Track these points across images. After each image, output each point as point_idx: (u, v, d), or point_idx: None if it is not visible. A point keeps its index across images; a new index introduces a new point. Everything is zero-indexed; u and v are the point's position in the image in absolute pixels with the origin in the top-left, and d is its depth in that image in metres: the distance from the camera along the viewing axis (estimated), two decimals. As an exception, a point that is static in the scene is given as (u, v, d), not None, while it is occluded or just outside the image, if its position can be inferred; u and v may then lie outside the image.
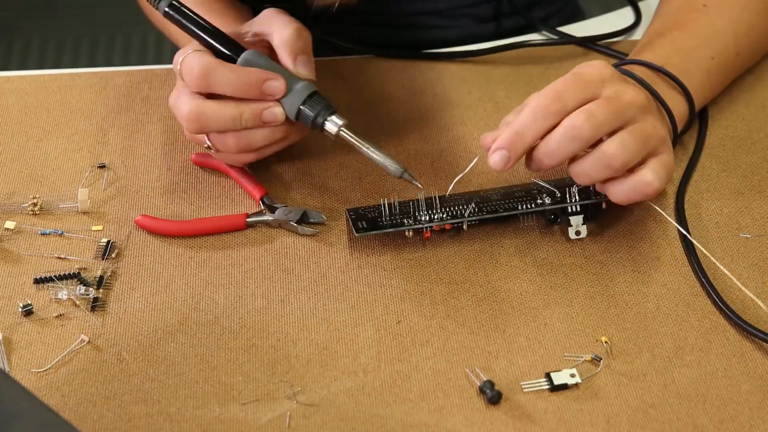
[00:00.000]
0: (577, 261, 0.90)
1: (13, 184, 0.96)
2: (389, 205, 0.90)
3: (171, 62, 1.08)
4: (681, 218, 0.92)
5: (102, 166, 0.98)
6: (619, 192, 0.87)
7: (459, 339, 0.84)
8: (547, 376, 0.81)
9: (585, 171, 0.86)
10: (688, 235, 0.90)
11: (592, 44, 1.11)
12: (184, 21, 0.93)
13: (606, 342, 0.84)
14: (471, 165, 0.91)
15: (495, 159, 0.86)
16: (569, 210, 0.90)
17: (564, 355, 0.83)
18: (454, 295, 0.87)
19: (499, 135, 0.86)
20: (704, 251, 0.89)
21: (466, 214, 0.90)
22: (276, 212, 0.93)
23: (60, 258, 0.90)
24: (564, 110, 0.85)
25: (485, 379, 0.81)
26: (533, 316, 0.86)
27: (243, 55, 0.91)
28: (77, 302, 0.87)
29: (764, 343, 0.83)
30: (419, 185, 0.90)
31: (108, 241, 0.91)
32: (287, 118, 0.91)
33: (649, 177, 0.86)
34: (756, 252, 0.91)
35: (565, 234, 0.92)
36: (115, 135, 1.01)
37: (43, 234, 0.92)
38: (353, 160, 0.98)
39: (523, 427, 0.78)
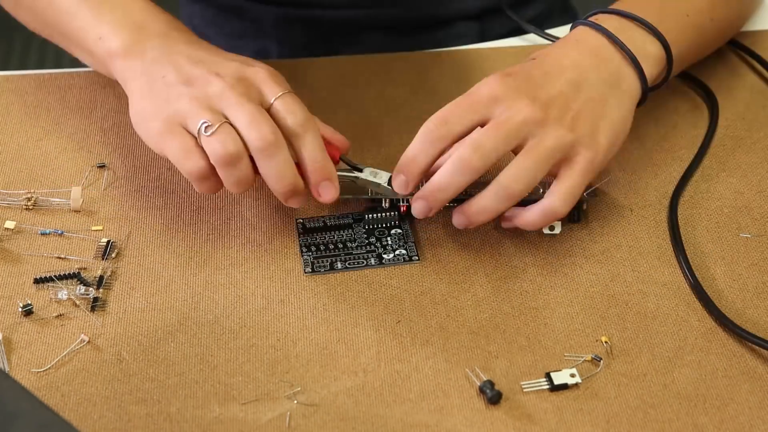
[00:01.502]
0: (577, 261, 0.90)
1: (13, 183, 0.96)
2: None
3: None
4: (673, 219, 0.92)
5: (102, 166, 0.98)
6: (527, 221, 0.87)
7: (459, 339, 0.84)
8: (547, 376, 0.81)
9: (486, 206, 0.86)
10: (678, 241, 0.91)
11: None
12: None
13: (606, 342, 0.84)
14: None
15: (397, 183, 0.88)
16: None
17: (564, 355, 0.83)
18: (454, 295, 0.87)
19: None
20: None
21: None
22: (363, 172, 0.91)
23: (60, 258, 0.90)
24: (450, 134, 0.86)
25: (485, 379, 0.81)
26: (533, 316, 0.86)
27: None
28: (77, 302, 0.87)
29: (760, 347, 0.83)
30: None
31: (108, 241, 0.91)
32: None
33: (555, 204, 0.86)
34: (756, 252, 0.91)
35: (565, 233, 0.91)
36: (115, 135, 1.01)
37: (43, 234, 0.92)
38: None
39: (523, 427, 0.78)
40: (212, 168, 0.86)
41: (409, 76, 1.08)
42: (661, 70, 0.95)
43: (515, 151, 0.86)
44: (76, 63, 1.05)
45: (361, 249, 0.90)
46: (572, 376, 0.81)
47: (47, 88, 1.06)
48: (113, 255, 0.91)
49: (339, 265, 0.89)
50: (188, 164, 0.86)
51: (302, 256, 0.90)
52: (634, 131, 1.02)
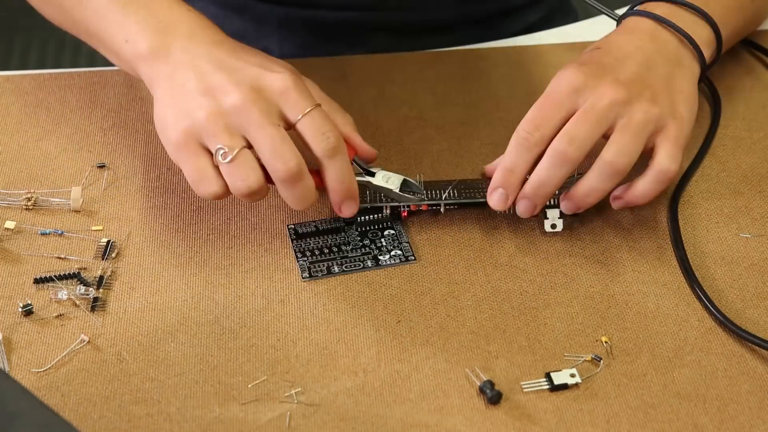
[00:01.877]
0: (577, 261, 0.90)
1: (14, 183, 0.96)
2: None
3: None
4: (674, 220, 0.92)
5: (102, 166, 0.98)
6: (640, 192, 0.88)
7: (459, 339, 0.84)
8: (547, 376, 0.81)
9: (594, 187, 0.88)
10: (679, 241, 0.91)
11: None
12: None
13: (606, 342, 0.84)
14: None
15: (494, 198, 0.89)
16: (547, 203, 0.91)
17: (564, 355, 0.83)
18: (454, 295, 0.87)
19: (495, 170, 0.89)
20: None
21: (443, 197, 0.91)
22: (375, 176, 0.92)
23: (60, 258, 0.90)
24: (544, 138, 0.87)
25: (485, 379, 0.81)
26: (533, 316, 0.86)
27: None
28: (77, 302, 0.87)
29: (761, 348, 0.83)
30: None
31: (108, 241, 0.91)
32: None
33: (665, 164, 0.88)
34: (756, 252, 0.91)
35: (565, 233, 0.92)
36: (115, 135, 1.01)
37: (43, 234, 0.92)
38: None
39: (523, 427, 0.78)
40: (227, 190, 0.86)
41: (409, 76, 1.08)
42: (713, 52, 0.97)
43: (606, 135, 0.87)
44: (76, 63, 1.05)
45: (357, 252, 0.90)
46: (572, 376, 0.81)
47: (47, 88, 1.06)
48: (113, 255, 0.91)
49: (336, 268, 0.89)
50: (202, 188, 0.86)
51: (297, 261, 0.90)
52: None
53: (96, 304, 0.87)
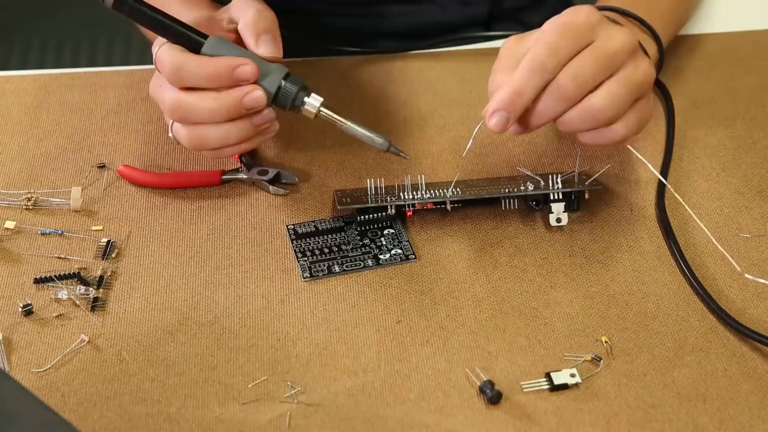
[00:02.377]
0: (577, 261, 0.90)
1: (13, 183, 0.96)
2: (375, 188, 0.92)
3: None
4: (664, 218, 0.92)
5: (102, 166, 0.98)
6: (587, 137, 0.87)
7: (459, 339, 0.84)
8: (547, 376, 0.81)
9: (570, 120, 0.86)
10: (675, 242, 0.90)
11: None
12: (138, 11, 0.89)
13: (606, 342, 0.84)
14: (476, 130, 0.89)
15: (494, 121, 0.85)
16: (551, 197, 0.91)
17: (564, 355, 0.83)
18: (454, 295, 0.87)
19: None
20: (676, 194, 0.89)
21: (448, 195, 0.91)
22: (251, 170, 0.95)
23: (60, 258, 0.90)
24: (560, 65, 0.84)
25: (485, 379, 0.81)
26: (533, 316, 0.86)
27: (205, 44, 0.89)
28: (77, 302, 0.87)
29: (762, 344, 0.83)
30: (405, 156, 0.91)
31: (108, 241, 0.91)
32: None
33: (620, 130, 0.87)
34: (756, 252, 0.91)
35: (565, 233, 0.92)
36: (115, 135, 1.01)
37: (43, 234, 0.92)
38: (337, 144, 0.98)
39: (523, 427, 0.78)
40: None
41: (409, 76, 1.08)
42: (655, 65, 0.97)
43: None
44: (76, 63, 1.05)
45: (357, 251, 0.90)
46: (572, 376, 0.81)
47: (47, 88, 1.06)
48: (113, 255, 0.91)
49: (336, 268, 0.89)
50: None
51: (298, 262, 0.90)
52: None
53: (96, 304, 0.87)
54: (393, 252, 0.90)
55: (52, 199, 0.95)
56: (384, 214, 0.92)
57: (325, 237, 0.92)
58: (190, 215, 0.94)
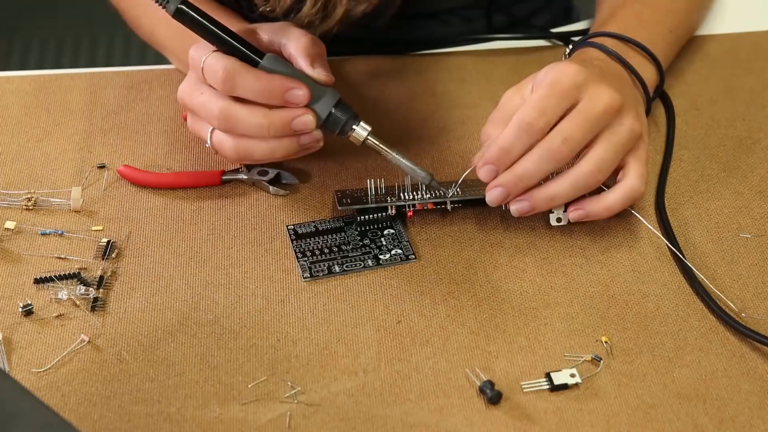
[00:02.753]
0: (577, 261, 0.90)
1: (14, 183, 0.96)
2: (375, 188, 0.93)
3: (170, 63, 1.08)
4: (664, 220, 0.92)
5: (102, 167, 0.98)
6: (607, 206, 0.89)
7: (459, 339, 0.84)
8: (547, 376, 0.81)
9: (561, 193, 0.88)
10: (671, 245, 0.90)
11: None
12: (198, 22, 0.89)
13: (606, 342, 0.84)
14: (465, 174, 0.92)
15: (483, 173, 0.89)
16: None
17: (564, 355, 0.83)
18: (454, 295, 0.87)
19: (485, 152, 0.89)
20: (676, 251, 0.89)
21: (449, 195, 0.92)
22: (251, 171, 0.95)
23: (60, 258, 0.90)
24: (548, 126, 0.87)
25: (485, 379, 0.80)
26: (533, 316, 0.86)
27: (264, 60, 0.90)
28: (77, 302, 0.87)
29: (763, 345, 0.83)
30: (444, 191, 0.92)
31: (108, 241, 0.91)
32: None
33: (637, 183, 0.89)
34: (756, 252, 0.91)
35: (565, 233, 0.92)
36: (115, 135, 1.01)
37: (43, 234, 0.92)
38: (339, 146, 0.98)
39: (523, 427, 0.78)
40: None
41: (409, 77, 1.08)
42: (654, 89, 1.00)
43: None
44: (76, 63, 1.05)
45: (357, 251, 0.90)
46: (572, 376, 0.81)
47: (47, 88, 1.06)
48: (113, 255, 0.91)
49: (337, 268, 0.89)
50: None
51: (298, 262, 0.90)
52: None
53: (96, 304, 0.87)
54: (393, 252, 0.90)
55: (52, 199, 0.95)
56: (384, 214, 0.92)
57: (325, 237, 0.92)
58: (190, 215, 0.94)
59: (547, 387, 0.81)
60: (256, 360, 0.83)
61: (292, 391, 0.81)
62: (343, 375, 0.82)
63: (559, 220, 0.91)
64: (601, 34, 0.99)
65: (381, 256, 0.90)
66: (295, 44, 0.92)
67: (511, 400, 0.80)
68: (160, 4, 0.89)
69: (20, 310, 0.86)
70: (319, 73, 0.91)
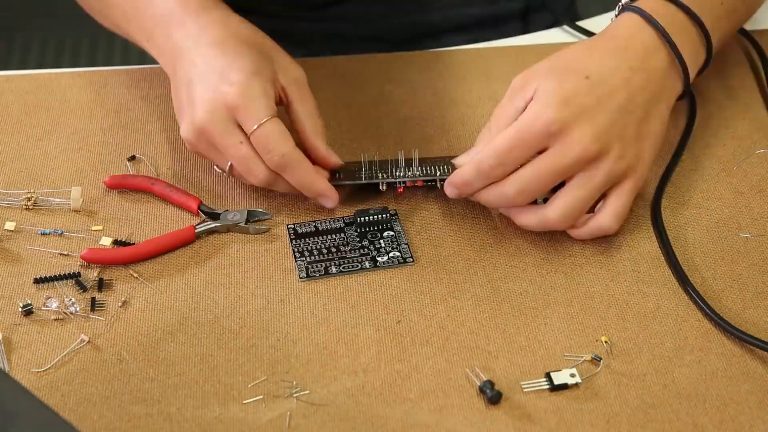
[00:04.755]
0: (577, 261, 0.90)
1: (14, 183, 0.96)
2: (369, 162, 0.94)
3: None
4: (658, 223, 0.92)
5: (133, 158, 0.98)
6: (574, 234, 0.90)
7: (459, 339, 0.84)
8: (547, 376, 0.81)
9: (528, 224, 0.90)
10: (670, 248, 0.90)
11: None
12: None
13: (606, 342, 0.84)
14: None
15: (448, 191, 0.90)
16: None
17: (564, 355, 0.83)
18: (454, 295, 0.87)
19: (463, 163, 0.90)
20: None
21: (437, 175, 0.92)
22: (220, 217, 0.92)
23: (60, 257, 0.90)
24: (504, 174, 0.87)
25: (485, 379, 0.81)
26: (533, 316, 0.86)
27: None
28: (77, 302, 0.86)
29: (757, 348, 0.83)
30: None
31: (109, 241, 0.91)
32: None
33: (607, 222, 0.89)
34: (756, 252, 0.91)
35: (565, 234, 0.92)
36: (115, 135, 1.01)
37: (43, 234, 0.92)
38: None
39: (523, 427, 0.78)
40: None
41: (409, 76, 1.08)
42: (700, 67, 0.96)
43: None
44: (76, 63, 1.05)
45: (355, 252, 0.90)
46: (572, 376, 0.81)
47: (47, 88, 1.06)
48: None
49: (333, 269, 0.89)
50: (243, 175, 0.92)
51: (296, 261, 0.90)
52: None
53: (96, 304, 0.87)
54: (391, 254, 0.90)
55: (52, 199, 0.95)
56: (386, 216, 0.92)
57: (325, 237, 0.92)
58: (190, 215, 0.94)
59: (547, 387, 0.81)
60: (256, 360, 0.83)
61: (292, 391, 0.81)
62: (343, 375, 0.82)
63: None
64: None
65: (379, 258, 0.90)
66: (304, 108, 0.93)
67: (511, 400, 0.80)
68: None
69: (20, 310, 0.86)
70: (334, 160, 0.93)
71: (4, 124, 1.03)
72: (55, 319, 0.85)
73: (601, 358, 0.82)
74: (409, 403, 0.80)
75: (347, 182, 0.93)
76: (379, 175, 0.93)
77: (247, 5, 1.03)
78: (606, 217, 0.89)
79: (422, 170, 0.93)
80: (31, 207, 0.94)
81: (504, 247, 0.91)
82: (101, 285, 0.88)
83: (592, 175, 0.87)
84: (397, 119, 1.03)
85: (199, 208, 0.93)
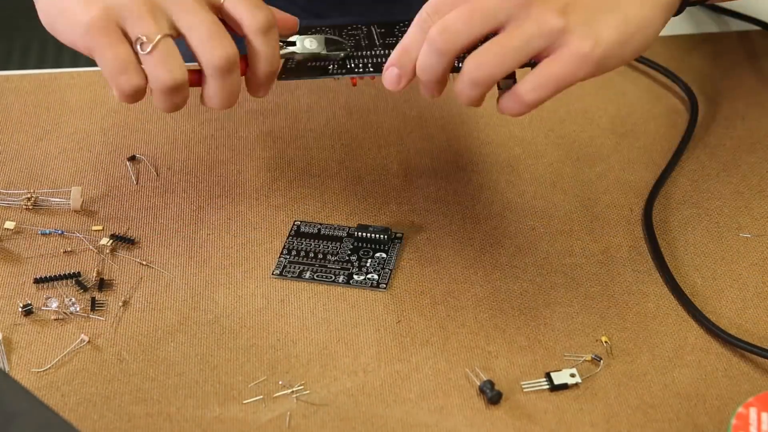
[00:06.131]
0: (577, 261, 0.90)
1: (14, 183, 0.97)
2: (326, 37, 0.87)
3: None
4: (649, 229, 0.92)
5: (133, 158, 0.98)
6: (500, 107, 0.80)
7: (459, 339, 0.84)
8: (547, 375, 0.81)
9: (459, 90, 0.79)
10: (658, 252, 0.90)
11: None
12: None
13: (606, 342, 0.84)
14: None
15: (387, 76, 0.81)
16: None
17: (564, 355, 0.83)
18: (454, 295, 0.87)
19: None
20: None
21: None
22: (297, 45, 0.84)
23: (60, 257, 0.90)
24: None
25: (485, 379, 0.81)
26: (533, 316, 0.86)
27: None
28: (77, 303, 0.87)
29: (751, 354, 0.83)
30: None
31: (108, 241, 0.91)
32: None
33: (521, 88, 0.76)
34: (756, 252, 0.91)
35: (565, 233, 0.92)
36: (115, 135, 1.01)
37: (43, 234, 0.92)
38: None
39: (523, 427, 0.78)
40: (146, 87, 0.79)
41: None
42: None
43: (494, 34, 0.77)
44: (76, 63, 1.05)
45: (336, 265, 0.89)
46: (572, 376, 0.81)
47: (47, 88, 1.06)
48: (113, 255, 0.91)
49: (308, 274, 0.88)
50: (124, 80, 0.78)
51: (279, 257, 0.89)
52: (633, 130, 1.02)
53: (96, 304, 0.87)
54: (368, 276, 0.88)
55: (52, 199, 0.95)
56: (384, 236, 0.90)
57: (320, 242, 0.91)
58: (190, 215, 0.94)
59: (547, 387, 0.81)
60: (256, 360, 0.83)
61: (292, 391, 0.81)
62: (343, 375, 0.82)
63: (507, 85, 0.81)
64: None
65: (355, 276, 0.89)
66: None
67: (511, 400, 0.80)
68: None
69: (20, 309, 0.86)
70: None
71: (4, 124, 1.03)
72: (55, 319, 0.85)
73: (601, 358, 0.82)
74: (408, 403, 0.80)
75: (293, 78, 0.85)
76: (330, 66, 0.85)
77: None
78: (524, 83, 0.77)
79: (373, 62, 0.85)
80: (31, 207, 0.94)
81: (504, 247, 0.91)
82: (101, 285, 0.88)
83: (520, 24, 0.75)
84: (397, 119, 1.03)
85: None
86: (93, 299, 0.87)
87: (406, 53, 0.79)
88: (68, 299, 0.86)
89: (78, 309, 0.86)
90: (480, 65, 0.76)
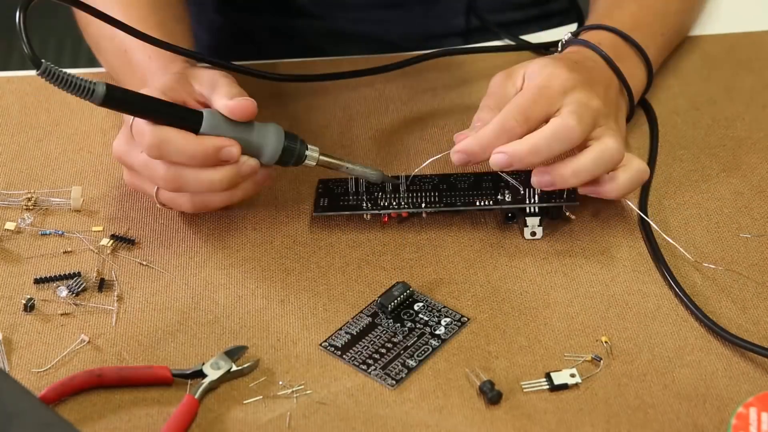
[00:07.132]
0: (577, 261, 0.90)
1: (14, 183, 0.97)
2: (356, 186, 0.93)
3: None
4: (649, 229, 0.92)
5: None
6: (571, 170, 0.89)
7: (459, 339, 0.84)
8: (547, 376, 0.81)
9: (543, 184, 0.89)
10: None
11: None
12: (127, 105, 0.85)
13: (606, 342, 0.84)
14: (437, 157, 0.93)
15: (455, 158, 0.88)
16: (527, 210, 0.90)
17: (564, 355, 0.83)
18: (454, 295, 0.87)
19: (468, 135, 0.89)
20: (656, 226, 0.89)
21: (423, 206, 0.91)
22: (203, 372, 0.81)
23: (60, 257, 0.90)
24: (528, 131, 0.87)
25: (485, 379, 0.80)
26: (533, 316, 0.86)
27: (204, 123, 0.86)
28: (77, 302, 0.87)
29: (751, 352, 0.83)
30: (398, 182, 0.93)
31: (108, 241, 0.91)
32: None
33: (610, 143, 0.88)
34: (756, 252, 0.91)
35: (565, 233, 0.92)
36: (115, 135, 1.01)
37: (43, 234, 0.92)
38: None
39: (523, 427, 0.78)
40: None
41: (410, 77, 1.08)
42: (641, 92, 1.01)
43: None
44: (76, 63, 1.05)
45: (412, 338, 0.84)
46: (572, 376, 0.81)
47: (48, 88, 1.05)
48: (113, 255, 0.91)
49: (412, 362, 0.82)
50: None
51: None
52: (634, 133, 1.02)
53: (96, 304, 0.87)
54: (444, 323, 0.85)
55: (52, 199, 0.95)
56: (404, 295, 0.87)
57: (363, 332, 0.85)
58: (190, 215, 0.94)
59: (547, 387, 0.81)
60: (256, 360, 0.83)
61: (292, 391, 0.81)
62: (343, 375, 0.82)
63: (533, 234, 0.91)
64: (597, 26, 1.00)
65: (438, 332, 0.84)
66: (216, 96, 0.87)
67: (511, 400, 0.80)
68: (84, 97, 0.85)
69: (22, 302, 0.86)
70: (238, 102, 0.86)
71: (4, 125, 1.03)
72: (62, 314, 0.85)
73: (601, 358, 0.82)
74: (409, 403, 0.80)
75: (331, 213, 0.92)
76: (365, 204, 0.91)
77: (249, 5, 1.04)
78: (606, 141, 0.89)
79: (409, 197, 0.92)
80: (31, 207, 0.94)
81: (504, 247, 0.91)
82: (101, 285, 0.88)
83: (606, 142, 0.88)
84: (397, 119, 1.03)
85: (172, 374, 0.80)
86: (93, 299, 0.87)
87: (482, 150, 0.88)
88: (78, 282, 0.86)
89: (91, 293, 0.87)
90: (576, 175, 0.88)
